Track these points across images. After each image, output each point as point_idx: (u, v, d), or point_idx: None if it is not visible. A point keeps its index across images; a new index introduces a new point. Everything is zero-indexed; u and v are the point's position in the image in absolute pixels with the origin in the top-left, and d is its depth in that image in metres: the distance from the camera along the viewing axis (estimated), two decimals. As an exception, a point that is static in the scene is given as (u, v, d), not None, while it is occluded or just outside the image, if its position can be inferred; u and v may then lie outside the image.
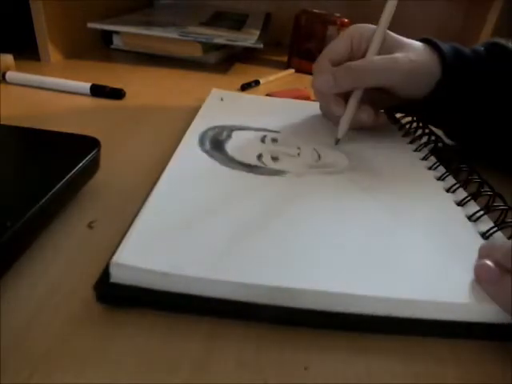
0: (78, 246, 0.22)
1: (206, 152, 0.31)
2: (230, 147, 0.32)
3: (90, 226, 0.24)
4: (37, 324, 0.18)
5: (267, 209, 0.25)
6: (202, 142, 0.32)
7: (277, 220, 0.23)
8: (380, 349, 0.19)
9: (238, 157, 0.30)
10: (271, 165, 0.30)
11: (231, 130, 0.35)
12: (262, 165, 0.30)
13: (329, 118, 0.39)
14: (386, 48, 0.34)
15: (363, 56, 0.35)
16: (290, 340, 0.18)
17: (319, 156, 0.33)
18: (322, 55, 0.37)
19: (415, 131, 0.39)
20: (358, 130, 0.37)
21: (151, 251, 0.20)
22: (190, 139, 0.32)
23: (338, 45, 0.36)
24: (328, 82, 0.34)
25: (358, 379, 0.17)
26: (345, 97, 0.35)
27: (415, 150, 0.35)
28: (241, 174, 0.28)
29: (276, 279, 0.19)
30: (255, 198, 0.26)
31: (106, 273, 0.19)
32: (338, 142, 0.35)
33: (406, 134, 0.39)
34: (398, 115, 0.42)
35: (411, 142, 0.37)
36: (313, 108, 0.43)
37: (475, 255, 0.22)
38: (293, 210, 0.25)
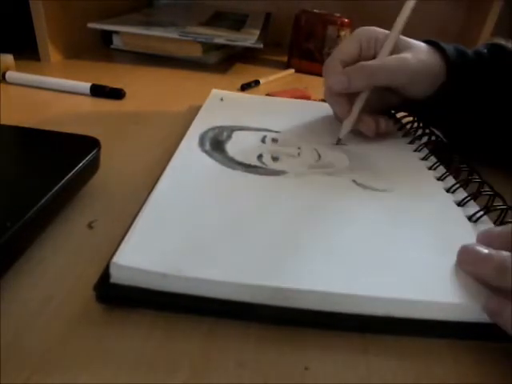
0: (78, 246, 0.22)
1: (206, 152, 0.31)
2: (230, 147, 0.32)
3: (90, 226, 0.24)
4: (37, 324, 0.18)
5: (267, 209, 0.25)
6: (202, 143, 0.32)
7: (277, 220, 0.23)
8: (380, 349, 0.19)
9: (239, 157, 0.30)
10: (271, 165, 0.30)
11: (231, 130, 0.35)
12: (263, 165, 0.30)
13: (337, 118, 0.40)
14: (396, 49, 0.36)
15: (373, 57, 0.36)
16: (290, 340, 0.18)
17: (319, 156, 0.33)
18: (333, 57, 0.38)
19: (415, 131, 0.39)
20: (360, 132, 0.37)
21: (151, 252, 0.20)
22: (190, 139, 0.32)
23: (347, 47, 0.38)
24: (342, 82, 0.35)
25: (358, 379, 0.17)
26: (350, 99, 0.36)
27: (415, 150, 0.35)
28: (241, 174, 0.28)
29: (275, 279, 0.19)
30: (255, 199, 0.26)
31: (106, 273, 0.19)
32: (339, 141, 0.36)
33: (406, 134, 0.39)
34: (399, 115, 0.42)
35: (411, 142, 0.37)
36: (313, 108, 0.43)
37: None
38: (293, 210, 0.25)
